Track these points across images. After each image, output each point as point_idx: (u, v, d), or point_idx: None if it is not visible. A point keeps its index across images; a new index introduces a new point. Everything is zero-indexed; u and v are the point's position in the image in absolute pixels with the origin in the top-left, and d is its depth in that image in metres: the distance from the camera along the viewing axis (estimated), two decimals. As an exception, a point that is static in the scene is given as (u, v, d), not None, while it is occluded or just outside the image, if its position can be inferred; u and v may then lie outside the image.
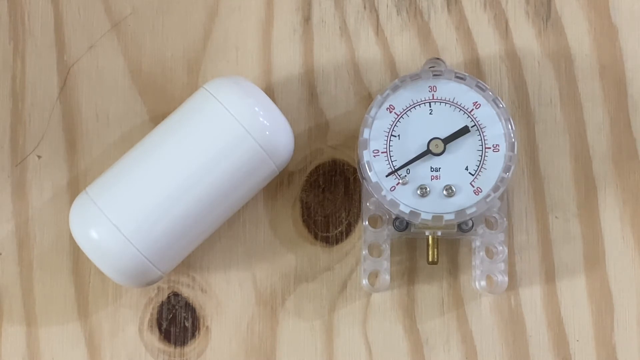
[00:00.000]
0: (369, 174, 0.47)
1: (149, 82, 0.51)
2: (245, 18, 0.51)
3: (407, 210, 0.46)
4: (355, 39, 0.51)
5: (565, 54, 0.50)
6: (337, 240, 0.50)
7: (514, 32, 0.51)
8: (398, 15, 0.51)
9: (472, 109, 0.47)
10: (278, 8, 0.51)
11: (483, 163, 0.47)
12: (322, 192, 0.50)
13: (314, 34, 0.51)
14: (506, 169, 0.46)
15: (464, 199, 0.46)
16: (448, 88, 0.47)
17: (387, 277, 0.48)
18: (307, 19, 0.51)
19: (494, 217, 0.48)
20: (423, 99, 0.47)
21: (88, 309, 0.50)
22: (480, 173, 0.46)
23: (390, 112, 0.47)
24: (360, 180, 0.49)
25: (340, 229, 0.50)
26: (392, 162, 0.47)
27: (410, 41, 0.51)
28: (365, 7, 0.51)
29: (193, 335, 0.50)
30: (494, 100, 0.47)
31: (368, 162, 0.47)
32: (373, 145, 0.47)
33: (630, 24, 0.50)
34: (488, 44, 0.51)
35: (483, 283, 0.48)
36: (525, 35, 0.50)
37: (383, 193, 0.46)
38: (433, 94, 0.47)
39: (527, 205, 0.49)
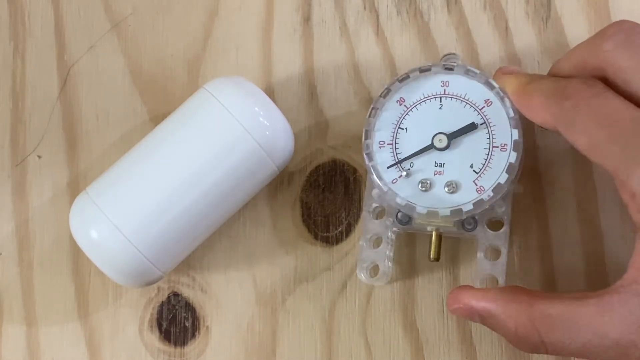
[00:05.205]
0: (372, 163, 0.46)
1: (149, 82, 0.51)
2: (245, 18, 0.51)
3: (402, 203, 0.46)
4: (355, 39, 0.51)
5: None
6: (337, 240, 0.50)
7: (513, 32, 0.51)
8: (398, 16, 0.51)
9: (483, 106, 0.47)
10: (278, 8, 0.51)
11: (489, 162, 0.46)
12: (322, 192, 0.50)
13: (314, 34, 0.51)
14: (510, 169, 0.46)
15: (465, 197, 0.46)
16: (461, 84, 0.47)
17: (386, 269, 0.48)
18: (307, 19, 0.51)
19: (496, 216, 0.48)
20: (434, 94, 0.47)
21: (88, 309, 0.50)
22: (484, 171, 0.46)
23: (400, 104, 0.47)
24: (366, 166, 0.48)
25: (340, 229, 0.50)
26: (396, 154, 0.47)
27: (410, 41, 0.51)
28: (365, 7, 0.51)
29: (193, 335, 0.50)
30: (502, 99, 0.47)
31: (371, 153, 0.47)
32: (379, 136, 0.47)
33: (630, 24, 0.50)
34: (488, 44, 0.51)
35: (484, 282, 0.48)
36: (525, 36, 0.51)
37: (384, 184, 0.46)
38: (445, 89, 0.47)
39: (527, 205, 0.49)
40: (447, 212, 0.46)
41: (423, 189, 0.46)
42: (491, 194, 0.46)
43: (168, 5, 0.51)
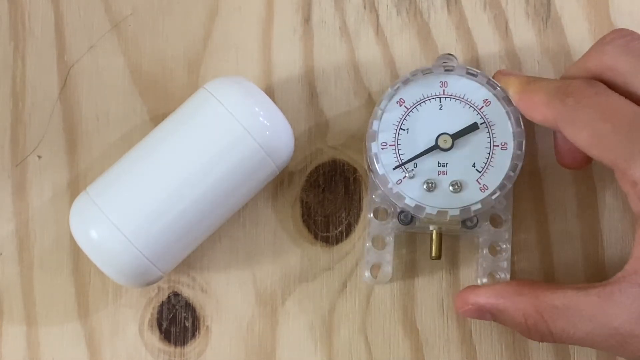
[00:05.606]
0: (376, 166, 0.47)
1: (149, 82, 0.51)
2: (245, 18, 0.51)
3: (412, 204, 0.46)
4: (355, 39, 0.51)
5: (565, 53, 0.50)
6: (337, 240, 0.50)
7: (513, 32, 0.51)
8: (398, 15, 0.51)
9: (482, 106, 0.47)
10: (278, 8, 0.51)
11: (490, 160, 0.46)
12: (322, 192, 0.50)
13: (314, 34, 0.51)
14: (513, 167, 0.46)
15: (470, 196, 0.46)
16: (459, 84, 0.47)
17: (390, 270, 0.48)
18: (307, 19, 0.51)
19: (499, 214, 0.48)
20: (434, 94, 0.47)
21: (88, 309, 0.50)
22: (487, 170, 0.46)
23: (400, 105, 0.47)
24: (367, 172, 0.48)
25: (340, 229, 0.50)
26: (399, 155, 0.47)
27: (410, 41, 0.51)
28: (365, 7, 0.51)
29: (193, 335, 0.50)
30: (504, 99, 0.47)
31: (376, 154, 0.47)
32: (382, 138, 0.47)
33: (630, 24, 0.50)
34: (488, 44, 0.51)
35: (485, 280, 0.48)
36: (525, 35, 0.51)
37: (389, 186, 0.46)
38: (444, 90, 0.47)
39: (527, 205, 0.49)
40: (457, 212, 0.46)
41: (427, 189, 0.46)
42: (498, 192, 0.46)
43: (168, 6, 0.51)
